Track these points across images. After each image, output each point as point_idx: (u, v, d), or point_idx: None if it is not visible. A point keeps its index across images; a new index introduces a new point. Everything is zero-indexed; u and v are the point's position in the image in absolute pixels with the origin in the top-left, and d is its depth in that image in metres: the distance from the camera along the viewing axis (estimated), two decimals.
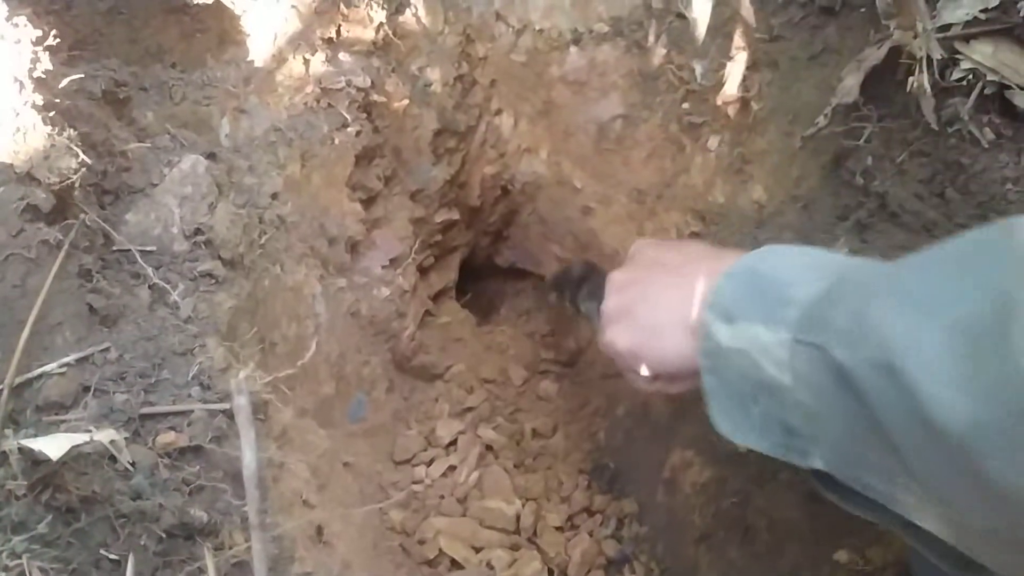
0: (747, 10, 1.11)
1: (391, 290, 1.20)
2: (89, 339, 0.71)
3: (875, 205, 0.92)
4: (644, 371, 0.68)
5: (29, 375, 0.67)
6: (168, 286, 0.78)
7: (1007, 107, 0.83)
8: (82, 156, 0.70)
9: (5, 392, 0.61)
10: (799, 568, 0.91)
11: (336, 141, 1.03)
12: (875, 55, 0.92)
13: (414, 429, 1.27)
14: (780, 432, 0.53)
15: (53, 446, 0.53)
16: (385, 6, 1.06)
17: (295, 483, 0.85)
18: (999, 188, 0.86)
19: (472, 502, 1.17)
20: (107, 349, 0.71)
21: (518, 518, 1.15)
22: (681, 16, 1.19)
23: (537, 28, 1.26)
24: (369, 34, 1.05)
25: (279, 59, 0.95)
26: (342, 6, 0.99)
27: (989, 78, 0.83)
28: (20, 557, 0.52)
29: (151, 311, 0.77)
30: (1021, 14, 0.83)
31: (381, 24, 1.06)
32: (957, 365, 0.36)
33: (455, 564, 1.10)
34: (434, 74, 1.19)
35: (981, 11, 0.84)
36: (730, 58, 1.14)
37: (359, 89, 1.04)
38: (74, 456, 0.61)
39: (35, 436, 0.61)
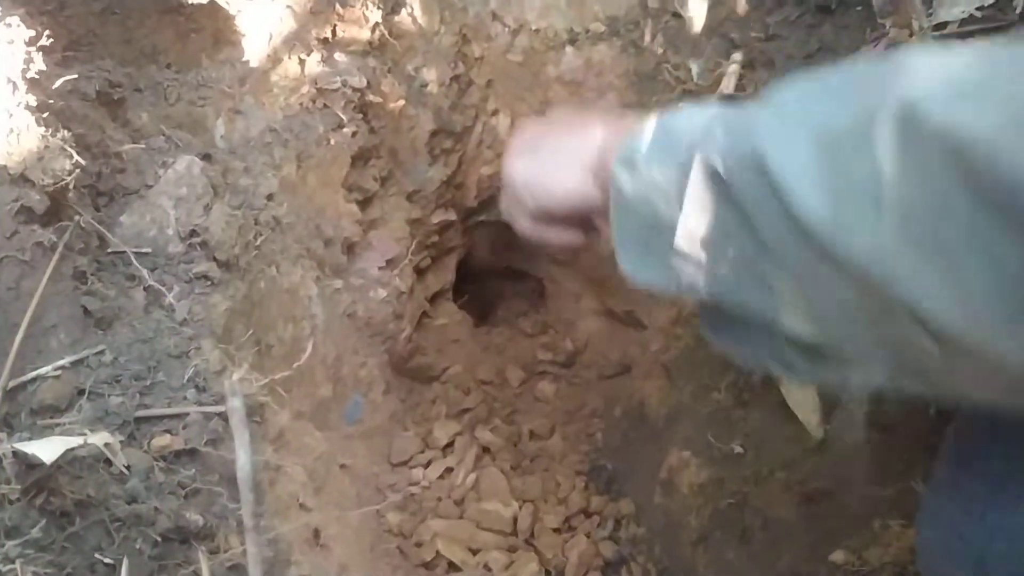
0: (743, 9, 1.11)
1: (388, 291, 1.19)
2: (84, 341, 0.71)
3: None
4: (532, 202, 0.69)
5: (23, 378, 0.66)
6: (163, 288, 0.78)
7: None
8: (76, 157, 0.70)
9: (0, 396, 0.61)
10: (796, 569, 0.91)
11: (332, 142, 1.03)
12: (872, 53, 0.92)
13: (411, 431, 1.27)
14: (667, 268, 0.55)
15: (47, 450, 0.52)
16: (381, 6, 1.06)
17: (291, 486, 0.84)
18: None
19: (469, 504, 1.17)
20: (102, 352, 0.71)
21: (515, 520, 1.15)
22: (677, 15, 1.19)
23: (533, 28, 1.26)
24: (365, 34, 1.05)
25: (274, 59, 0.95)
26: (337, 6, 0.99)
27: None
28: (14, 562, 0.51)
29: (146, 313, 0.76)
30: (1017, 11, 0.83)
31: (377, 24, 1.06)
32: (819, 170, 0.41)
33: (452, 566, 1.09)
34: (430, 74, 1.19)
35: (977, 9, 0.84)
36: (726, 57, 1.14)
37: (355, 89, 1.04)
38: (68, 459, 0.60)
39: (29, 439, 0.61)
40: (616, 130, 0.63)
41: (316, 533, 0.86)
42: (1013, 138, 0.34)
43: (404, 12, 1.11)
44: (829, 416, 0.92)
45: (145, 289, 0.77)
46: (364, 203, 1.16)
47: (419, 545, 1.10)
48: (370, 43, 1.06)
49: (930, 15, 0.87)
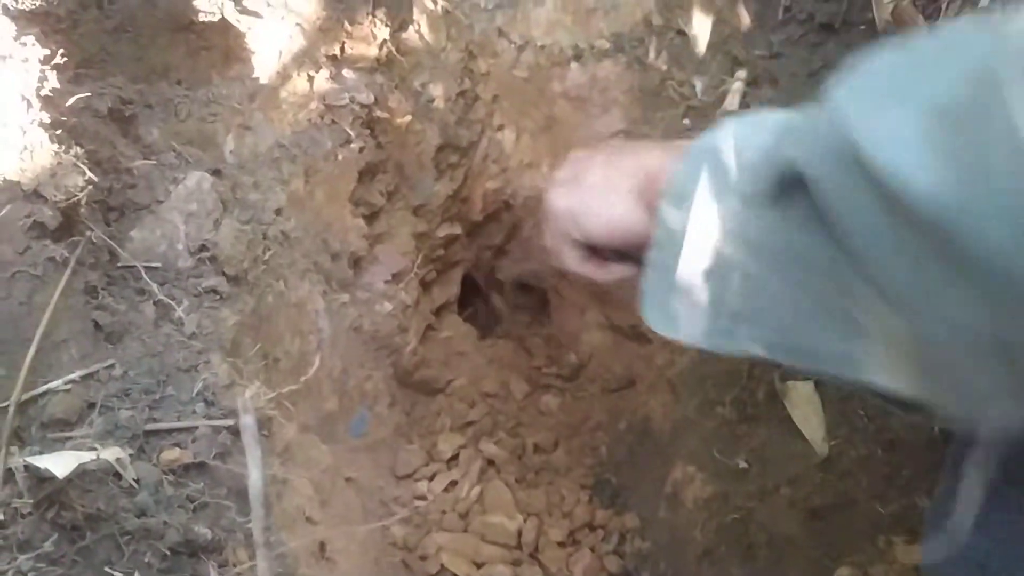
0: (747, 27, 1.12)
1: (393, 305, 1.20)
2: (94, 356, 0.71)
3: None
4: (578, 232, 0.63)
5: (34, 392, 0.67)
6: (173, 302, 0.79)
7: None
8: (88, 174, 0.71)
9: (11, 409, 0.61)
10: None
11: (339, 157, 1.04)
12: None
13: (416, 444, 1.27)
14: (720, 319, 0.49)
15: (59, 464, 0.53)
16: (388, 23, 1.07)
17: (298, 500, 0.85)
18: None
19: (474, 517, 1.17)
20: (112, 366, 0.71)
21: (520, 533, 1.15)
22: (682, 33, 1.20)
23: (539, 44, 1.27)
24: (373, 51, 1.06)
25: (284, 76, 0.96)
26: (346, 23, 1.00)
27: None
28: (26, 575, 0.52)
29: (156, 327, 0.77)
30: None
31: (384, 41, 1.07)
32: (936, 148, 0.33)
33: None
34: (437, 90, 1.20)
35: None
36: (730, 75, 1.15)
37: (362, 105, 1.05)
38: (79, 473, 0.61)
39: (40, 453, 0.62)
40: (672, 153, 0.55)
41: (322, 546, 0.86)
42: None
43: (411, 29, 1.12)
44: (834, 432, 0.92)
45: (155, 303, 0.78)
46: (371, 217, 1.17)
47: (424, 558, 1.10)
48: (378, 60, 1.07)
49: None
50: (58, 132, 0.70)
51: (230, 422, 0.73)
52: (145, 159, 0.82)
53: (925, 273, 0.35)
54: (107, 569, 0.59)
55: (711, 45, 1.16)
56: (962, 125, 0.33)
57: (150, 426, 0.70)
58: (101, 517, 0.61)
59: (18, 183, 0.68)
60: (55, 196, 0.69)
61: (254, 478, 0.52)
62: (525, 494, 1.22)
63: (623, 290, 0.66)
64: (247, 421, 0.54)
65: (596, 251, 0.64)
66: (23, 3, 0.72)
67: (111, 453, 0.57)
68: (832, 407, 0.92)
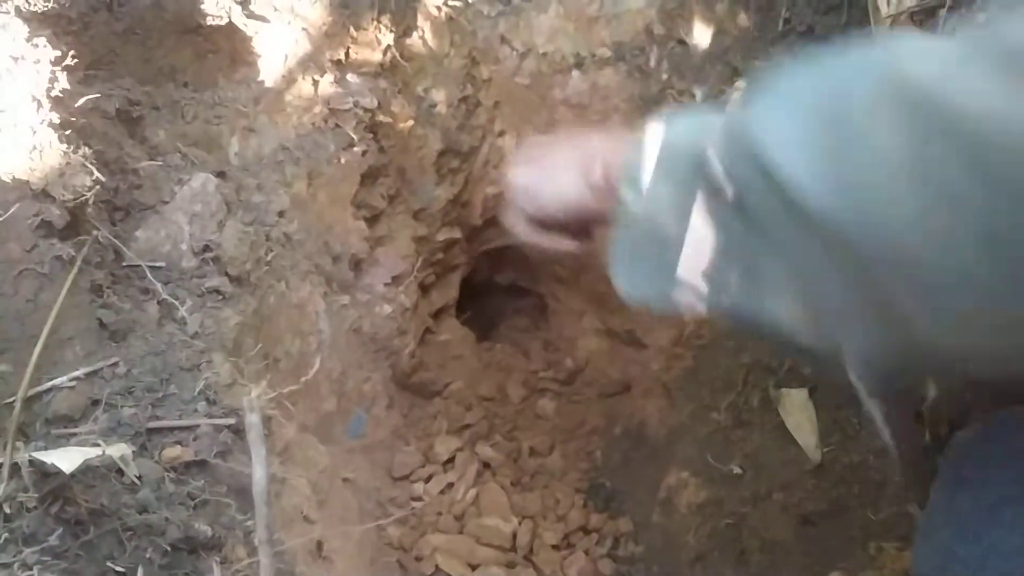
0: (747, 37, 1.13)
1: (393, 307, 1.21)
2: (99, 354, 0.72)
3: None
4: (531, 207, 0.71)
5: (39, 388, 0.68)
6: (176, 302, 0.80)
7: None
8: (96, 174, 0.72)
9: (18, 405, 0.62)
10: None
11: (342, 160, 1.05)
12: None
13: (412, 446, 1.28)
14: (668, 283, 0.56)
15: (66, 460, 0.54)
16: (393, 29, 1.08)
17: (296, 499, 0.86)
18: None
19: (469, 519, 1.18)
20: (116, 364, 0.72)
21: (515, 536, 1.16)
22: (682, 42, 1.21)
23: (541, 52, 1.29)
24: (377, 56, 1.07)
25: (289, 80, 0.97)
26: (351, 29, 1.01)
27: None
28: (31, 569, 0.53)
29: (159, 326, 0.78)
30: None
31: (389, 47, 1.08)
32: (813, 139, 0.42)
33: None
34: (439, 95, 1.21)
35: None
36: (730, 83, 1.17)
37: (366, 110, 1.06)
38: (83, 469, 0.62)
39: (44, 449, 0.62)
40: (615, 141, 0.64)
41: (319, 546, 0.87)
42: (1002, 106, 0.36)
43: (415, 35, 1.14)
44: (827, 439, 0.93)
45: (159, 303, 0.79)
46: (372, 220, 1.18)
47: (419, 559, 1.11)
48: (382, 65, 1.09)
49: None
50: (67, 132, 0.71)
51: (231, 421, 0.74)
52: (151, 160, 0.83)
53: (813, 253, 0.44)
54: (109, 564, 0.60)
55: (711, 55, 1.18)
56: (835, 127, 0.42)
57: (152, 424, 0.71)
58: (104, 513, 0.61)
59: (27, 182, 0.69)
60: (63, 195, 0.70)
61: (258, 476, 0.53)
62: (520, 497, 1.23)
63: (559, 255, 0.75)
64: (253, 420, 0.55)
65: (546, 226, 0.72)
66: (36, 5, 0.73)
67: (117, 450, 0.58)
68: (825, 415, 0.93)
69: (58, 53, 0.71)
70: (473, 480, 1.23)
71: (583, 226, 0.72)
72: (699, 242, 0.52)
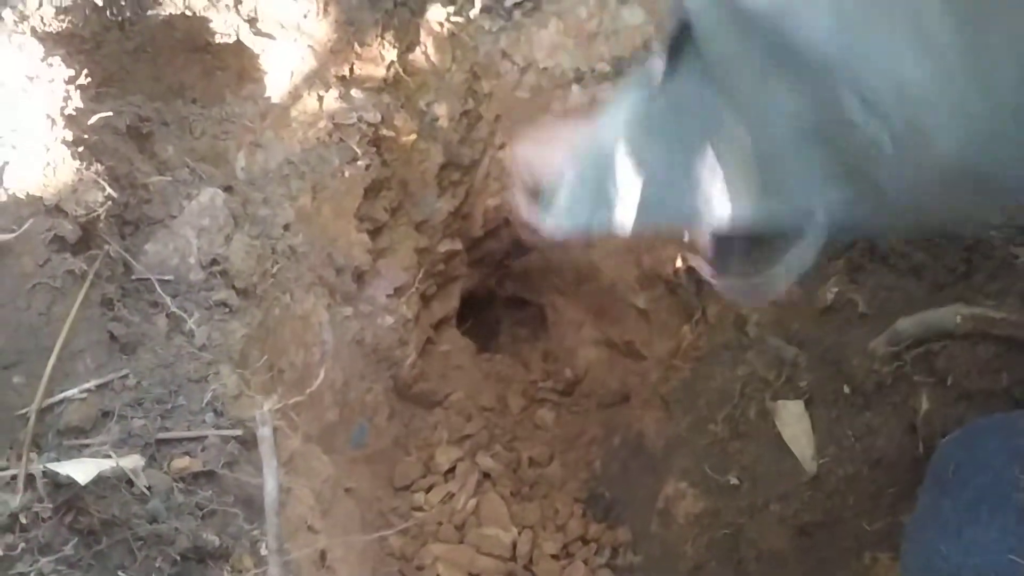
0: None
1: (395, 318, 1.23)
2: (109, 366, 0.73)
3: (866, 246, 0.96)
4: (530, 179, 0.72)
5: (51, 400, 0.69)
6: (184, 314, 0.81)
7: None
8: (108, 189, 0.73)
9: (32, 417, 0.64)
10: None
11: (346, 174, 1.07)
12: None
13: (413, 456, 1.30)
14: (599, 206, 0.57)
15: (81, 471, 0.55)
16: (396, 45, 1.10)
17: (300, 508, 0.87)
18: (984, 233, 0.90)
19: (470, 529, 1.19)
20: (126, 376, 0.74)
21: (514, 545, 1.17)
22: None
23: (541, 66, 1.31)
24: (381, 72, 1.09)
25: (295, 95, 0.99)
26: (356, 45, 1.03)
27: None
28: None
29: (168, 339, 0.79)
30: None
31: (392, 62, 1.10)
32: None
33: None
34: (441, 109, 1.23)
35: None
36: None
37: (369, 124, 1.08)
38: (94, 480, 0.63)
39: (57, 460, 0.64)
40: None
41: (323, 555, 0.88)
42: None
43: (418, 50, 1.16)
44: (822, 451, 0.95)
45: (167, 316, 0.80)
46: (374, 233, 1.19)
47: (420, 568, 1.12)
48: (385, 80, 1.10)
49: None
50: (80, 149, 0.73)
51: (238, 432, 0.76)
52: (160, 175, 0.84)
53: (763, 75, 0.43)
54: (121, 573, 0.61)
55: None
56: None
57: (162, 435, 0.72)
58: (115, 523, 0.63)
59: (41, 198, 0.71)
60: (76, 211, 0.72)
61: (270, 487, 0.54)
62: (520, 507, 1.25)
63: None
64: (264, 432, 0.56)
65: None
66: (51, 25, 0.74)
67: (130, 461, 0.60)
68: (821, 427, 0.94)
69: (72, 72, 0.72)
70: (473, 490, 1.24)
71: None
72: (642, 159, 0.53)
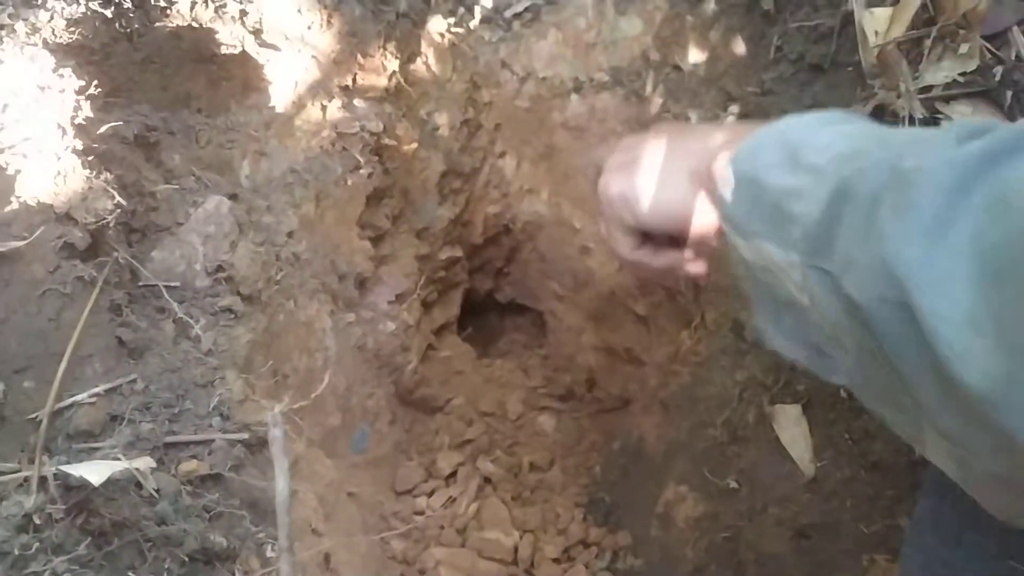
0: (740, 64, 1.17)
1: (396, 324, 1.24)
2: (117, 370, 0.75)
3: None
4: (632, 218, 0.61)
5: (61, 404, 0.70)
6: (191, 320, 0.82)
7: None
8: (117, 198, 0.75)
9: (44, 421, 0.65)
10: None
11: (349, 182, 1.08)
12: (861, 112, 0.97)
13: (415, 460, 1.31)
14: (807, 347, 0.49)
15: (94, 472, 0.56)
16: (398, 55, 1.12)
17: (304, 511, 0.88)
18: None
19: (471, 533, 1.20)
20: (134, 380, 0.75)
21: (516, 549, 1.18)
22: (677, 68, 1.25)
23: (540, 76, 1.32)
24: (382, 82, 1.11)
25: (298, 105, 1.01)
26: (359, 56, 1.05)
27: None
28: None
29: (175, 344, 0.81)
30: (996, 78, 0.89)
31: (394, 72, 1.12)
32: (976, 301, 0.31)
33: None
34: (442, 119, 1.24)
35: (960, 74, 0.89)
36: (724, 109, 1.20)
37: (372, 133, 1.09)
38: (103, 482, 0.64)
39: (67, 463, 0.65)
40: (733, 139, 0.53)
41: (327, 558, 0.89)
42: None
43: (419, 61, 1.17)
44: (820, 454, 0.96)
45: (174, 321, 0.82)
46: (376, 240, 1.21)
47: (422, 572, 1.13)
48: (387, 90, 1.12)
49: (916, 78, 0.92)
50: (90, 158, 0.74)
51: (244, 436, 0.77)
52: (167, 183, 0.86)
53: (962, 423, 0.36)
54: (131, 574, 0.63)
55: (705, 80, 1.21)
56: (1005, 274, 0.30)
57: (169, 438, 0.73)
58: (125, 524, 0.64)
59: (51, 206, 0.72)
60: (86, 218, 0.73)
61: (281, 487, 0.55)
62: (521, 511, 1.26)
63: (673, 278, 0.66)
64: (276, 434, 0.58)
65: (649, 238, 0.63)
66: (62, 37, 0.76)
67: (143, 463, 0.61)
68: (819, 430, 0.96)
69: (82, 83, 0.74)
70: (475, 494, 1.25)
71: (687, 235, 0.61)
72: (826, 323, 0.44)
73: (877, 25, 0.94)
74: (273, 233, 0.96)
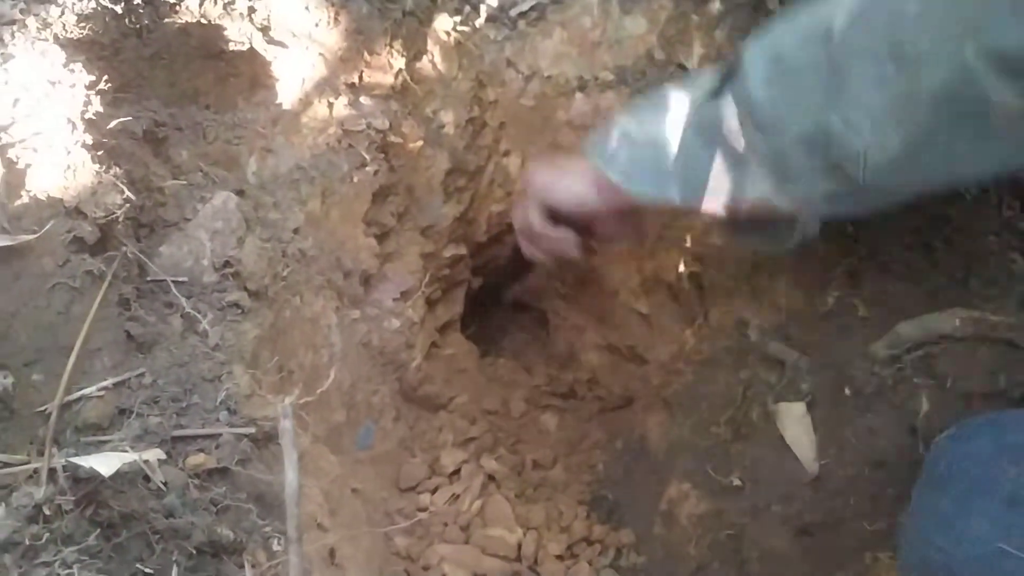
0: None
1: (401, 322, 1.24)
2: (126, 364, 0.75)
3: (865, 254, 0.97)
4: (544, 201, 0.89)
5: (70, 397, 0.71)
6: (198, 315, 0.83)
7: None
8: (126, 192, 0.75)
9: (54, 413, 0.65)
10: None
11: (355, 179, 1.08)
12: None
13: (419, 457, 1.31)
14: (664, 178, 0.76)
15: (104, 464, 0.57)
16: (404, 53, 1.12)
17: (310, 506, 0.89)
18: (982, 239, 0.91)
19: (475, 530, 1.20)
20: (142, 374, 0.75)
21: (519, 546, 1.18)
22: (682, 67, 1.25)
23: (545, 75, 1.33)
24: (389, 79, 1.11)
25: (305, 102, 1.01)
26: (365, 53, 1.05)
27: None
28: (71, 567, 0.55)
29: (182, 339, 0.81)
30: None
31: (400, 70, 1.12)
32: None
33: None
34: (447, 117, 1.25)
35: None
36: None
37: (377, 131, 1.10)
38: (112, 475, 0.65)
39: (76, 455, 0.65)
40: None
41: (332, 552, 0.90)
42: None
43: (425, 59, 1.18)
44: (824, 452, 0.96)
45: (182, 316, 0.82)
46: (381, 237, 1.21)
47: (426, 568, 1.13)
48: (393, 88, 1.12)
49: None
50: (99, 153, 0.75)
51: (251, 430, 0.78)
52: (175, 179, 0.86)
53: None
54: (139, 565, 0.63)
55: None
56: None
57: (177, 432, 0.74)
58: (133, 516, 0.64)
59: (61, 200, 0.72)
60: (95, 213, 0.73)
61: (291, 479, 0.56)
62: (524, 509, 1.26)
63: (560, 251, 0.96)
64: (286, 425, 0.58)
65: (556, 221, 0.90)
66: (72, 32, 0.76)
67: (153, 454, 0.61)
68: (822, 428, 0.96)
69: (92, 78, 0.74)
70: (478, 492, 1.25)
71: (587, 228, 0.91)
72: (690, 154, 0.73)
73: None
74: (279, 229, 0.97)
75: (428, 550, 1.16)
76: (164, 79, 0.88)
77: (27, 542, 0.55)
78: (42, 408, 0.69)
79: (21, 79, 0.72)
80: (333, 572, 0.89)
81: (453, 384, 1.46)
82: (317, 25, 0.99)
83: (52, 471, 0.60)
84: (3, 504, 0.59)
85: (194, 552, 0.67)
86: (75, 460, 0.58)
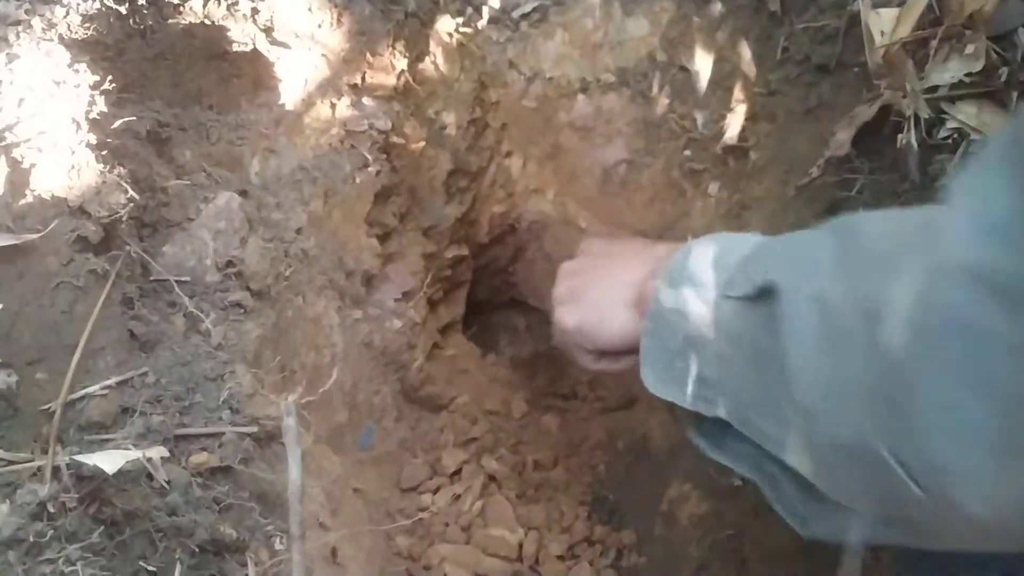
0: (747, 65, 1.18)
1: (403, 322, 1.25)
2: (129, 363, 0.75)
3: None
4: (590, 346, 0.77)
5: (73, 396, 0.71)
6: (201, 315, 0.83)
7: None
8: (130, 192, 0.75)
9: (58, 412, 0.66)
10: None
11: (357, 180, 1.09)
12: (866, 112, 0.98)
13: (420, 458, 1.31)
14: (694, 384, 0.62)
15: (108, 461, 0.57)
16: (407, 54, 1.13)
17: (312, 506, 0.89)
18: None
19: (476, 530, 1.20)
20: (145, 373, 0.76)
21: (520, 546, 1.18)
22: (684, 69, 1.26)
23: (547, 76, 1.33)
24: (391, 80, 1.11)
25: (308, 103, 1.01)
26: (368, 55, 1.06)
27: (973, 137, 0.89)
28: (75, 564, 0.56)
29: (185, 338, 0.81)
30: (1002, 79, 0.89)
31: (402, 71, 1.12)
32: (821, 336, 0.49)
33: None
34: (449, 118, 1.25)
35: (966, 75, 0.90)
36: (730, 110, 1.21)
37: (380, 131, 1.10)
38: (115, 473, 0.65)
39: (79, 454, 0.66)
40: (653, 264, 0.70)
41: (333, 552, 0.90)
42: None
43: (428, 60, 1.18)
44: None
45: (185, 315, 0.82)
46: (383, 238, 1.22)
47: (427, 568, 1.14)
48: (395, 89, 1.13)
49: (922, 79, 0.93)
50: (103, 153, 0.75)
51: (253, 429, 0.78)
52: (178, 179, 0.87)
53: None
54: (141, 563, 0.63)
55: (712, 81, 1.22)
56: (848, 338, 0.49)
57: (180, 431, 0.74)
58: (137, 514, 0.65)
59: (65, 200, 0.73)
60: (99, 212, 0.74)
61: (294, 476, 0.56)
62: (526, 509, 1.26)
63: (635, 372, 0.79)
64: (290, 423, 0.58)
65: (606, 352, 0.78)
66: (77, 32, 0.77)
67: (156, 452, 0.62)
68: None
69: (97, 78, 0.75)
70: (479, 492, 1.26)
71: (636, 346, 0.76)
72: (725, 348, 0.58)
73: (883, 26, 0.95)
74: (282, 229, 0.97)
75: (429, 550, 1.16)
76: (168, 80, 0.89)
77: (31, 539, 0.56)
78: (46, 406, 0.69)
79: (26, 79, 0.73)
80: (334, 571, 0.89)
81: (454, 385, 1.46)
82: (320, 26, 1.00)
83: (56, 469, 0.61)
84: (7, 501, 0.59)
85: (197, 550, 0.67)
86: (79, 458, 0.59)
